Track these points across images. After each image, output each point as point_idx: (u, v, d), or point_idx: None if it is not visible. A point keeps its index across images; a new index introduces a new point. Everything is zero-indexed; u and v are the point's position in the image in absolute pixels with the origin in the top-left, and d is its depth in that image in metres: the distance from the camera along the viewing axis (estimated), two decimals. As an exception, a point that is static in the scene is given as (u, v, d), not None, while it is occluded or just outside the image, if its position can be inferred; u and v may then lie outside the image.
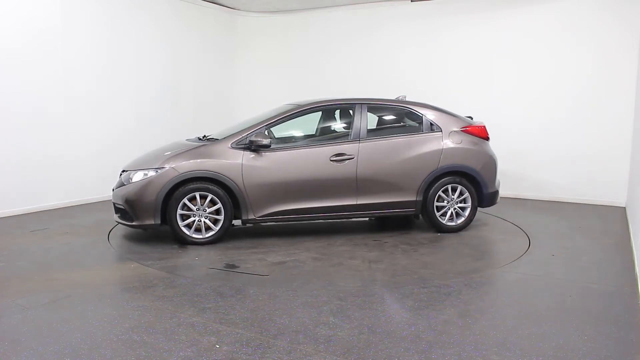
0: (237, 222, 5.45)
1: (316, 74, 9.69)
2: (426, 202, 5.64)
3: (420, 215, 5.82)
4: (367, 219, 6.48)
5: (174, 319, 3.32)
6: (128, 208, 5.16)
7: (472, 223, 5.89)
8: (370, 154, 5.50)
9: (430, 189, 5.63)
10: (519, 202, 7.75)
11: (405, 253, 4.98)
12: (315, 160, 5.40)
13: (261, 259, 4.78)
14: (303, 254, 4.95)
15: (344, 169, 5.42)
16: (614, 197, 7.51)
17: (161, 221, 5.13)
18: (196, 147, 5.36)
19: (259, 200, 5.26)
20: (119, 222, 5.39)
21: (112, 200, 5.44)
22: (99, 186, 7.48)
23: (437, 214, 5.69)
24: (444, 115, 5.84)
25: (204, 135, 5.81)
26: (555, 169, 7.92)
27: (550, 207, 7.52)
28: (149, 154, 5.67)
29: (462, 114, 6.22)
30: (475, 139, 5.83)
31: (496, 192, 5.98)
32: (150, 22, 8.28)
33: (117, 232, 5.72)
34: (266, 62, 10.16)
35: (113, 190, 5.46)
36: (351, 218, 5.94)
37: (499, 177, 6.06)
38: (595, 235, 5.79)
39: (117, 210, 5.38)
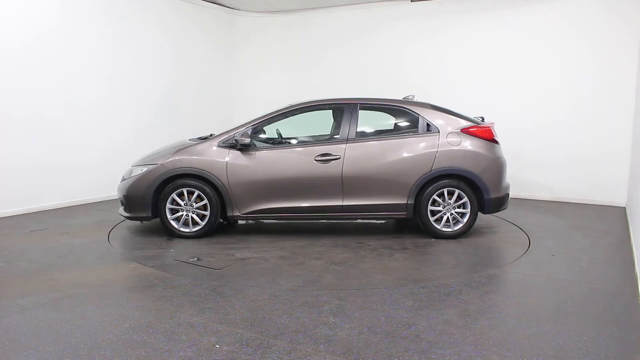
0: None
1: (316, 73, 9.69)
2: (419, 206, 5.40)
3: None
4: (382, 221, 6.42)
5: (174, 319, 3.32)
6: (124, 201, 5.50)
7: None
8: (357, 154, 5.37)
9: (424, 193, 5.36)
10: (519, 202, 7.74)
11: (377, 257, 4.82)
12: (299, 160, 5.37)
13: (230, 254, 4.87)
14: (274, 251, 4.99)
15: (329, 170, 5.34)
16: (614, 197, 7.52)
17: (153, 214, 5.40)
18: (188, 146, 5.54)
19: (243, 198, 5.35)
20: (121, 215, 5.64)
21: (117, 195, 5.75)
22: (99, 186, 7.50)
23: (432, 219, 5.42)
24: (444, 115, 5.55)
25: (210, 135, 5.88)
26: (556, 169, 7.93)
27: (550, 207, 7.52)
28: (153, 152, 5.86)
29: (463, 114, 5.94)
30: (478, 141, 5.44)
31: (502, 198, 5.56)
32: (151, 22, 8.27)
33: (117, 232, 5.74)
34: (266, 62, 10.16)
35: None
36: (345, 219, 5.91)
37: (508, 180, 5.69)
38: (595, 235, 5.79)
39: (121, 203, 5.67)
